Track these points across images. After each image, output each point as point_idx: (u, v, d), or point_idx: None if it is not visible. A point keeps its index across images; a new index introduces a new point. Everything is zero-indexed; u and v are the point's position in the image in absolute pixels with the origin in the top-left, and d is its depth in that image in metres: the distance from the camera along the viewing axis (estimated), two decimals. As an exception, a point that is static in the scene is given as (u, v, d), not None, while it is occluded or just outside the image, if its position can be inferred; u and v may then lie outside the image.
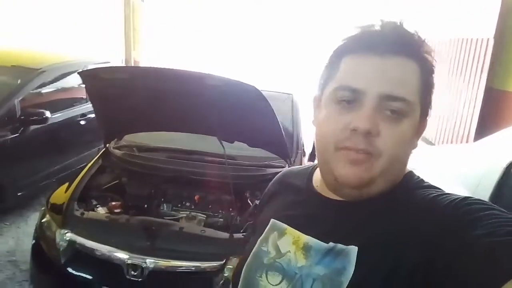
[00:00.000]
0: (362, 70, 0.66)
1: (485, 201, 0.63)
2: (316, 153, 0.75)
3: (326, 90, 0.72)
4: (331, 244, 0.69)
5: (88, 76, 2.43)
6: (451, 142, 6.52)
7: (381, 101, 0.65)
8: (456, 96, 6.52)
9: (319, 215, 0.75)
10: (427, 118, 0.72)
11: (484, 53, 5.81)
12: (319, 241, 0.71)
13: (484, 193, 2.17)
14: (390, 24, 0.68)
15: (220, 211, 2.50)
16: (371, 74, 0.65)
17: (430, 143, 7.19)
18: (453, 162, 2.91)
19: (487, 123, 5.70)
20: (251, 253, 0.80)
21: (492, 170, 2.19)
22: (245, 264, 0.79)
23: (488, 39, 5.76)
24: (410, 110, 0.66)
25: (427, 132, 7.45)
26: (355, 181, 0.66)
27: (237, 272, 0.82)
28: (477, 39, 6.01)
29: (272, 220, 0.81)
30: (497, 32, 5.66)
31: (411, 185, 0.70)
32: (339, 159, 0.67)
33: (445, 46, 7.09)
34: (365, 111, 0.64)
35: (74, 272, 2.16)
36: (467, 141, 6.02)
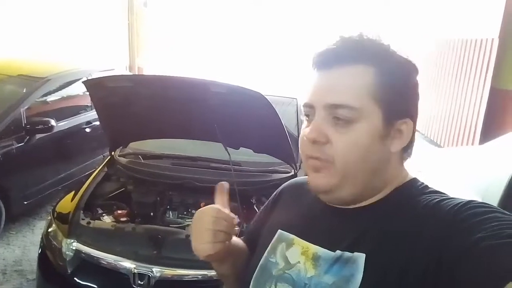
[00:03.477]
0: (313, 86, 0.73)
1: (489, 204, 0.64)
2: None
3: None
4: (338, 252, 0.70)
5: (93, 85, 2.43)
6: (457, 143, 6.49)
7: (328, 111, 0.69)
8: (461, 97, 6.49)
9: (325, 224, 0.76)
10: (408, 118, 0.71)
11: (489, 53, 5.79)
12: (326, 250, 0.71)
13: (493, 197, 2.14)
14: (343, 38, 0.72)
15: (226, 218, 2.48)
16: (318, 88, 0.71)
17: (438, 145, 7.15)
18: (462, 166, 2.89)
19: (492, 124, 5.68)
20: (259, 264, 0.80)
21: (498, 177, 2.17)
22: (253, 276, 0.79)
23: (492, 39, 5.73)
24: (359, 115, 0.68)
25: (434, 134, 7.43)
26: (321, 187, 0.72)
27: (243, 283, 0.81)
28: (482, 39, 5.98)
29: (279, 231, 0.81)
30: (502, 32, 5.63)
31: (415, 191, 0.72)
32: (308, 168, 0.74)
33: (450, 47, 7.07)
34: (314, 122, 0.71)
35: (81, 282, 2.15)
36: (473, 142, 5.98)
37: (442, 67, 7.30)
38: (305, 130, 0.73)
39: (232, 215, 0.78)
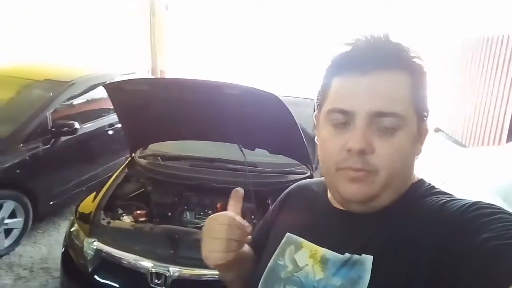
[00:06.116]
0: (350, 91, 0.68)
1: (495, 206, 0.63)
2: (321, 171, 0.77)
3: (322, 111, 0.74)
4: (347, 255, 0.69)
5: (113, 88, 2.50)
6: (483, 143, 6.29)
7: (372, 119, 0.66)
8: (487, 95, 6.29)
9: (334, 227, 0.76)
10: (427, 121, 0.72)
11: (516, 50, 5.59)
12: (335, 252, 0.71)
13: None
14: (374, 40, 0.68)
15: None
16: (359, 94, 0.66)
17: (462, 145, 6.96)
18: (486, 166, 2.81)
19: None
20: (267, 267, 0.80)
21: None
22: (261, 278, 0.79)
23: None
24: (403, 123, 0.66)
25: (458, 134, 7.23)
26: (360, 197, 0.68)
27: (251, 285, 0.81)
28: (509, 35, 5.78)
29: (287, 233, 0.81)
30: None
31: (422, 193, 0.71)
32: (340, 178, 0.69)
33: (474, 44, 6.87)
34: (357, 131, 0.66)
35: (101, 280, 2.21)
36: (499, 142, 5.79)
37: (466, 65, 7.10)
38: (340, 138, 0.68)
39: (246, 223, 0.76)
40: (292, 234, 0.80)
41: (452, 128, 7.57)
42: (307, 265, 0.74)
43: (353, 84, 0.67)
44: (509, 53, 5.72)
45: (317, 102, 0.77)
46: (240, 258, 0.81)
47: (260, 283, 0.79)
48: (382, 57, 0.66)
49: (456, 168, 3.23)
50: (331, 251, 0.72)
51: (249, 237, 0.78)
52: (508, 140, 5.35)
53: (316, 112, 0.78)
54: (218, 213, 0.77)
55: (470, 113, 6.79)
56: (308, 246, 0.76)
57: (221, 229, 0.73)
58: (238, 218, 0.76)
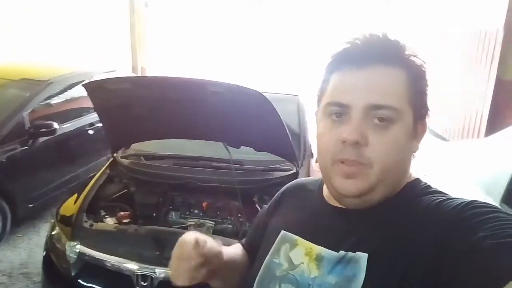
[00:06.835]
0: (347, 85, 0.69)
1: (491, 205, 0.64)
2: (318, 165, 0.77)
3: (320, 105, 0.75)
4: (341, 252, 0.70)
5: (93, 88, 2.44)
6: (463, 136, 6.43)
7: (368, 111, 0.67)
8: (467, 88, 6.41)
9: (329, 225, 0.76)
10: (425, 120, 0.74)
11: (494, 44, 5.71)
12: (330, 250, 0.72)
13: (497, 191, 2.11)
14: (372, 37, 0.70)
15: (228, 217, 2.48)
16: (355, 87, 0.68)
17: (443, 139, 7.09)
18: (467, 160, 2.86)
19: (498, 115, 5.63)
20: (262, 265, 0.80)
21: (502, 171, 2.13)
22: (257, 276, 0.80)
23: (497, 29, 5.65)
24: (398, 116, 0.68)
25: (439, 127, 7.36)
26: (354, 191, 0.69)
27: (247, 284, 0.81)
28: (486, 30, 5.90)
29: (282, 231, 0.82)
30: (507, 22, 5.55)
31: (417, 192, 0.72)
32: (335, 172, 0.70)
33: (454, 39, 6.99)
34: (352, 123, 0.67)
35: (85, 284, 2.16)
36: (478, 134, 5.92)
37: (446, 60, 7.22)
38: (336, 131, 0.69)
39: (215, 246, 0.76)
40: (287, 232, 0.81)
41: (433, 123, 7.70)
42: (302, 263, 0.75)
43: (349, 78, 0.69)
44: (488, 48, 5.85)
45: (316, 98, 0.78)
46: (225, 266, 0.81)
47: (255, 281, 0.79)
48: (378, 53, 0.68)
49: (439, 161, 3.28)
50: (326, 249, 0.72)
51: (222, 257, 0.79)
52: (487, 132, 5.47)
53: (316, 109, 0.79)
54: (190, 235, 0.76)
55: (451, 107, 6.92)
56: (303, 244, 0.76)
57: (188, 252, 0.73)
58: (208, 240, 0.75)
